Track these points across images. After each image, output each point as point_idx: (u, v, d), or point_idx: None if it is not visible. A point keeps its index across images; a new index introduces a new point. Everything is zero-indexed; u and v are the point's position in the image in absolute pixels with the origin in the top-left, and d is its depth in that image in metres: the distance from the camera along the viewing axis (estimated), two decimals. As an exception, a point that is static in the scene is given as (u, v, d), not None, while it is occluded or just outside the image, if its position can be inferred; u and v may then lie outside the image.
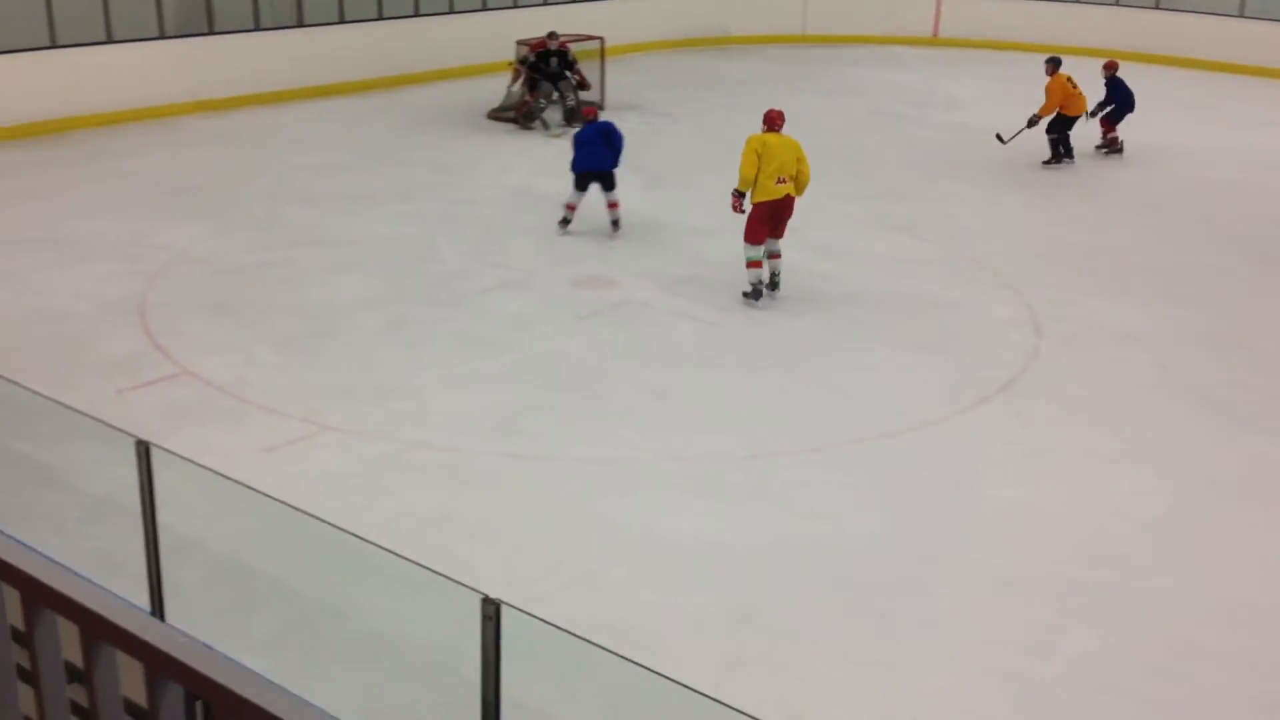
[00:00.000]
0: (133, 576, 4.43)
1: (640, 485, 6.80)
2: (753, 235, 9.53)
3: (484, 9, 18.23)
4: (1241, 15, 21.63)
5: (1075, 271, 10.72)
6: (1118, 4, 22.62)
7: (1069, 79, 13.76)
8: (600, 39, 15.97)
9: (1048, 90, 13.70)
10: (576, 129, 12.94)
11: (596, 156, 10.93)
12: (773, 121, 9.66)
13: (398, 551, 4.21)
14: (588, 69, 15.69)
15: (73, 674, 2.61)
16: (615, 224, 11.22)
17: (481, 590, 3.63)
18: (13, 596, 2.28)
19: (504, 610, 3.60)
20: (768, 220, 9.50)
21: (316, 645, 4.97)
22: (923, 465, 7.16)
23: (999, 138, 14.21)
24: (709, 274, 10.26)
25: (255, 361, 8.15)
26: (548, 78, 15.15)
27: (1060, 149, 14.13)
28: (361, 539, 4.19)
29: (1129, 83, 14.64)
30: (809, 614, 5.67)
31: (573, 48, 15.19)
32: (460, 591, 3.75)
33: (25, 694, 2.38)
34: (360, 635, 5.05)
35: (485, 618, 3.63)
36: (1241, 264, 11.16)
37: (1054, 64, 13.86)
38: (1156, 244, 11.68)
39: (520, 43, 15.86)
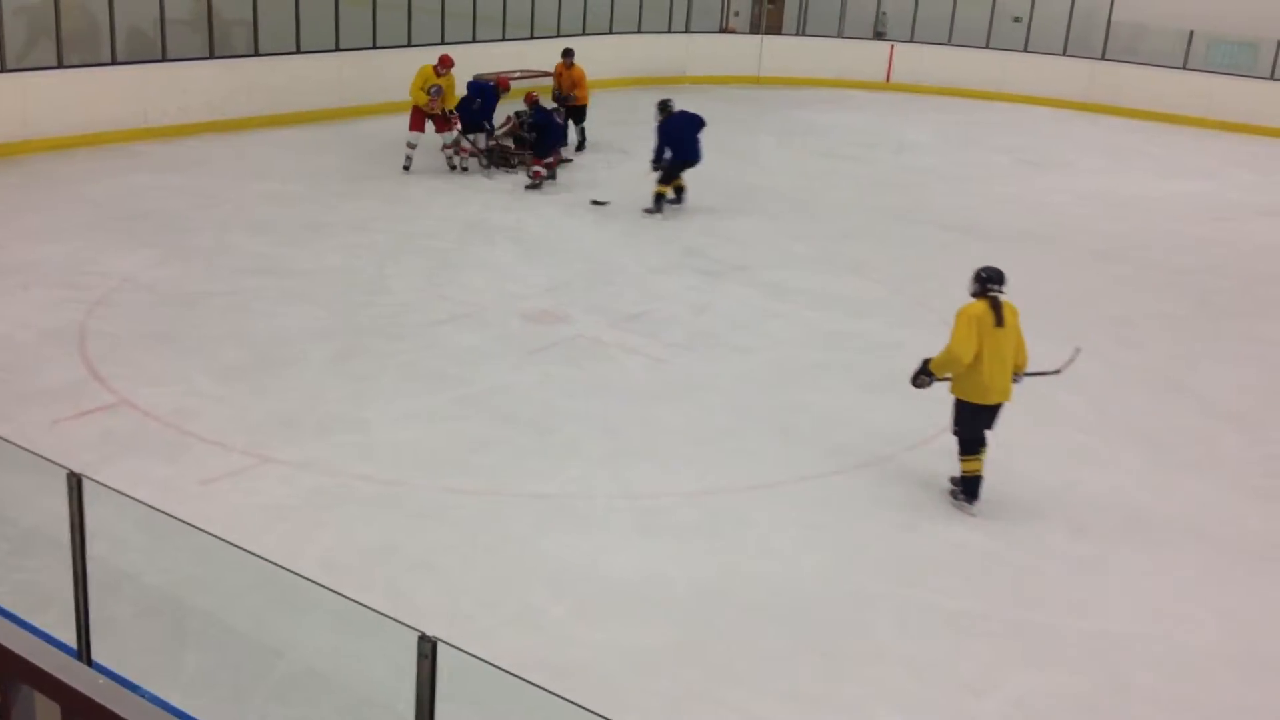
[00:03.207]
0: (61, 611, 4.34)
1: (586, 522, 6.77)
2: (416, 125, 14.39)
3: (442, 43, 18.26)
4: (1185, 68, 22.20)
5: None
6: (1063, 54, 23.12)
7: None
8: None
9: (580, 80, 16.07)
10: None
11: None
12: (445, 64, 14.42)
13: (337, 586, 4.15)
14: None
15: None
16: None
17: (421, 628, 3.60)
18: (-74, 633, 2.23)
19: (443, 648, 3.56)
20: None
21: (249, 684, 4.88)
22: (868, 504, 7.20)
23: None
24: (659, 310, 10.29)
25: (197, 392, 8.04)
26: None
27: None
28: (297, 575, 4.13)
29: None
30: (753, 652, 5.66)
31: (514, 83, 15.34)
32: (397, 629, 3.71)
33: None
34: (295, 673, 4.97)
35: (421, 656, 3.59)
36: (1180, 310, 11.39)
37: (568, 54, 16.17)
38: (1100, 289, 11.89)
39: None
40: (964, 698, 5.43)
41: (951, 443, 7.28)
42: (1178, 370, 9.76)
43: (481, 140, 14.89)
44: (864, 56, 24.19)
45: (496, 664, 3.57)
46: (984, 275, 7.12)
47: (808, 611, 6.03)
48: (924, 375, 7.21)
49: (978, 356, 6.90)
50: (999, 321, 6.96)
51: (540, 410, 8.16)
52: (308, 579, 4.11)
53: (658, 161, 13.31)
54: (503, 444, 7.64)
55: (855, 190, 15.50)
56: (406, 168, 14.64)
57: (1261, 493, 7.68)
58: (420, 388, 8.40)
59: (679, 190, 13.60)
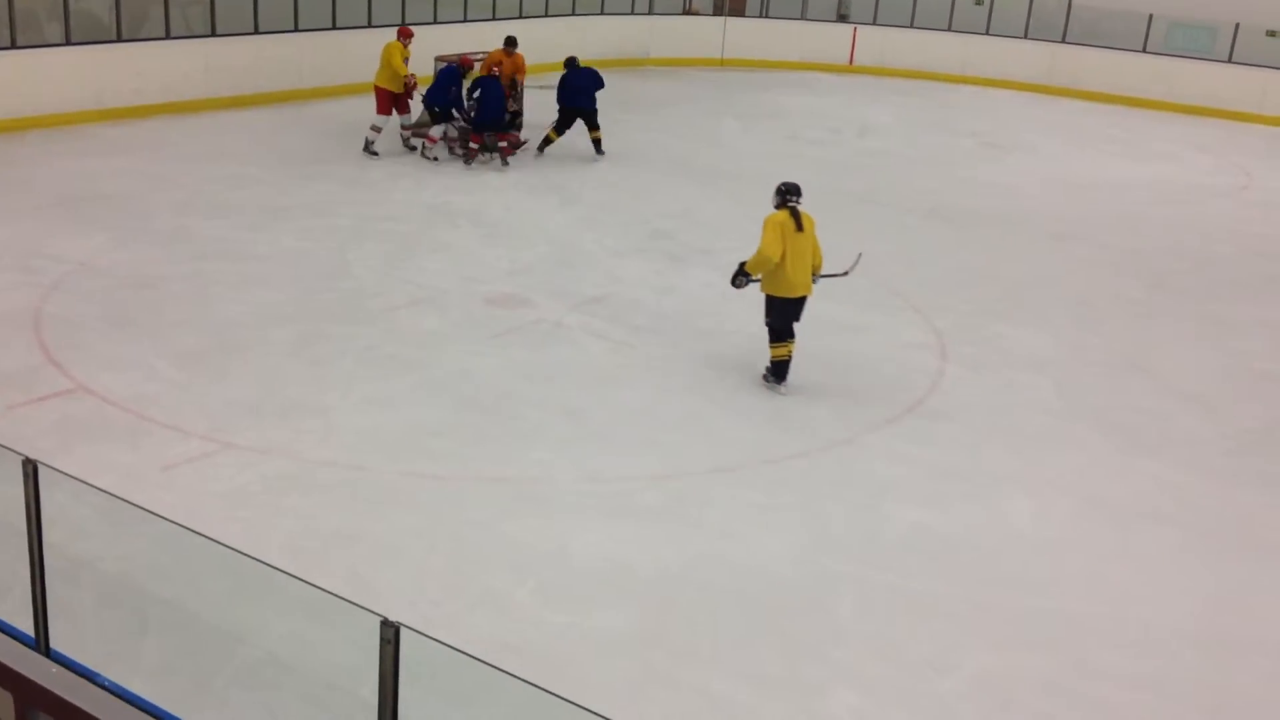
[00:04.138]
0: (18, 600, 4.28)
1: (549, 506, 6.77)
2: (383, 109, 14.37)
3: (403, 23, 18.08)
4: (1144, 51, 22.39)
5: (982, 297, 10.95)
6: (1025, 37, 23.25)
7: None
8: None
9: (521, 67, 15.39)
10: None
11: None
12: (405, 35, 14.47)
13: (300, 572, 4.12)
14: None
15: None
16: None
17: (384, 612, 3.58)
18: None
19: (406, 633, 3.55)
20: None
21: (210, 670, 4.84)
22: (830, 485, 7.24)
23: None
24: (622, 294, 10.27)
25: (156, 377, 7.95)
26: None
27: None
28: (259, 561, 4.10)
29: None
30: (715, 634, 5.68)
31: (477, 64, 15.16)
32: (360, 614, 3.69)
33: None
34: (257, 659, 4.94)
35: (384, 640, 3.58)
36: (1140, 291, 11.51)
37: (511, 43, 15.38)
38: (1061, 271, 11.99)
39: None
40: (926, 677, 5.48)
41: (918, 420, 7.33)
42: (1137, 351, 9.86)
43: (443, 127, 14.68)
44: (827, 39, 24.21)
45: (460, 648, 3.56)
46: (784, 189, 8.36)
47: (770, 593, 6.06)
48: (741, 276, 8.38)
49: (783, 257, 8.12)
50: (799, 227, 8.21)
51: (502, 394, 8.14)
52: (269, 565, 4.08)
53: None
54: (465, 428, 7.61)
55: (819, 173, 15.47)
56: (375, 153, 14.46)
57: (1219, 473, 7.79)
58: (381, 372, 8.35)
59: (596, 141, 15.07)
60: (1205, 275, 12.23)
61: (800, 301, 8.38)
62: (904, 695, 5.36)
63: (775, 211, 8.28)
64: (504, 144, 14.54)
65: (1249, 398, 9.09)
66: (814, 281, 8.43)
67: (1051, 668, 5.62)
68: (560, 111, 14.74)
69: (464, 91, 14.51)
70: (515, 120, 15.46)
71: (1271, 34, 21.39)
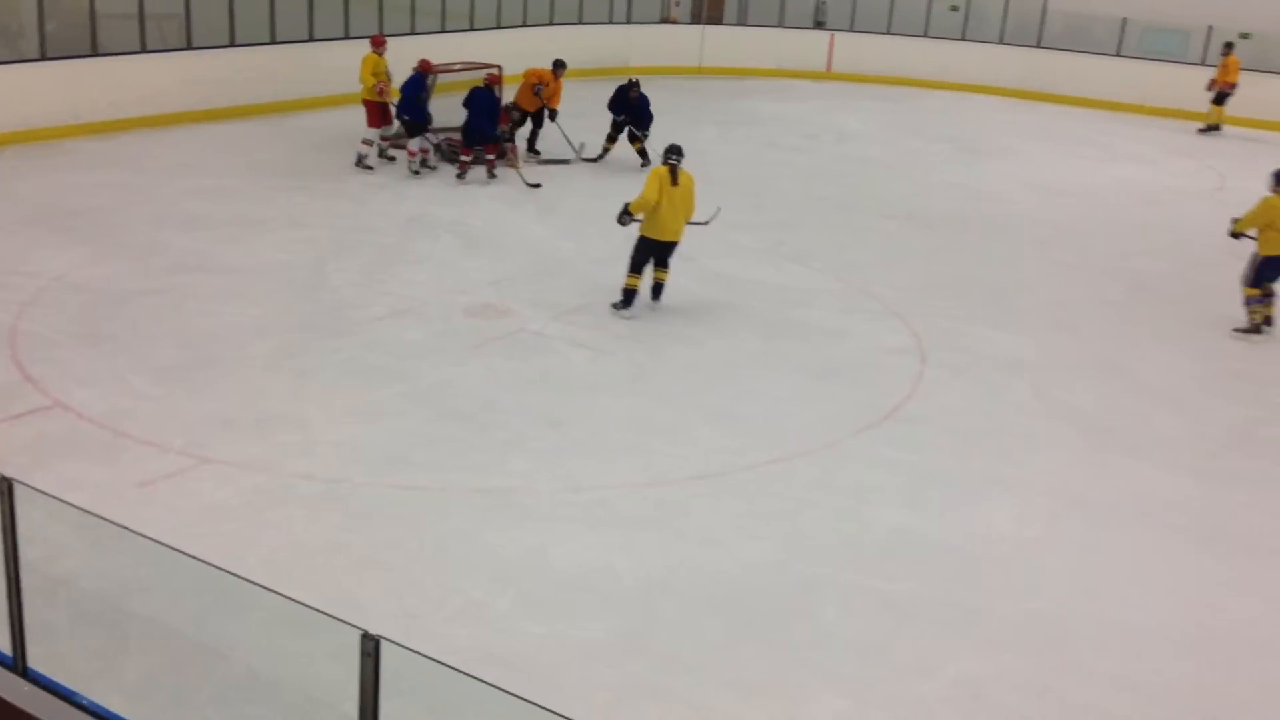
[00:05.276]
0: (-7, 619, 4.25)
1: (531, 515, 6.75)
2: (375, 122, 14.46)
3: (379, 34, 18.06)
4: (1118, 55, 22.56)
5: (960, 301, 11.00)
6: (1001, 42, 23.41)
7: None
8: (498, 68, 15.94)
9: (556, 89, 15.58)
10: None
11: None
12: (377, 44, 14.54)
13: (281, 587, 4.10)
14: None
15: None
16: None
17: (366, 625, 3.56)
18: None
19: (387, 645, 3.53)
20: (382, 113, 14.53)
21: (190, 687, 4.81)
22: (811, 490, 7.25)
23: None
24: (603, 303, 10.26)
25: (133, 393, 7.90)
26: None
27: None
28: (237, 576, 4.07)
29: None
30: (698, 641, 5.68)
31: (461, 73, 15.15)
32: (342, 628, 3.68)
33: None
34: (237, 675, 4.91)
35: (364, 654, 3.56)
36: (1117, 294, 11.58)
37: (559, 67, 15.61)
38: (1038, 275, 12.06)
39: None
40: (909, 680, 5.49)
41: (898, 423, 7.37)
42: (1115, 353, 9.92)
43: (421, 140, 14.49)
44: (804, 46, 24.32)
45: (442, 660, 3.55)
46: (668, 150, 9.86)
47: (752, 599, 6.06)
48: (625, 215, 9.83)
49: (659, 204, 9.61)
50: (675, 182, 9.68)
51: (483, 405, 8.12)
52: (249, 580, 4.06)
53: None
54: (446, 439, 7.59)
55: (798, 180, 15.58)
56: (368, 166, 14.32)
57: (1197, 473, 7.84)
58: (361, 384, 8.32)
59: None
60: (1181, 277, 12.31)
61: (670, 245, 9.91)
62: (888, 699, 5.36)
63: (659, 166, 9.75)
64: (491, 156, 14.41)
65: (1226, 398, 9.16)
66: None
67: (1035, 670, 5.64)
68: (624, 123, 15.55)
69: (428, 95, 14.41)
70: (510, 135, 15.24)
71: (1244, 36, 21.56)
